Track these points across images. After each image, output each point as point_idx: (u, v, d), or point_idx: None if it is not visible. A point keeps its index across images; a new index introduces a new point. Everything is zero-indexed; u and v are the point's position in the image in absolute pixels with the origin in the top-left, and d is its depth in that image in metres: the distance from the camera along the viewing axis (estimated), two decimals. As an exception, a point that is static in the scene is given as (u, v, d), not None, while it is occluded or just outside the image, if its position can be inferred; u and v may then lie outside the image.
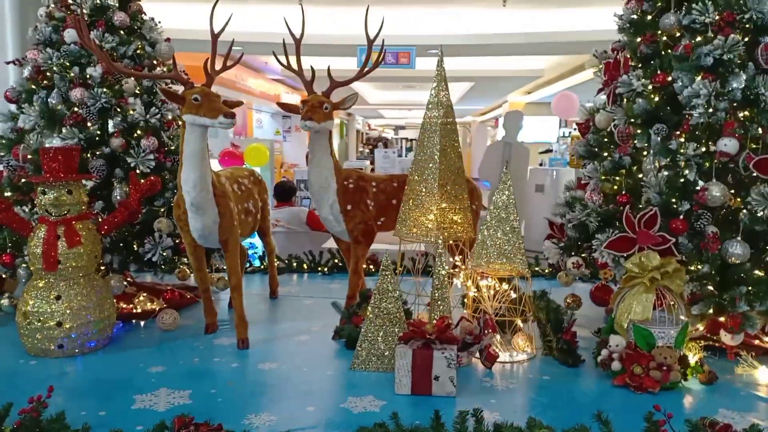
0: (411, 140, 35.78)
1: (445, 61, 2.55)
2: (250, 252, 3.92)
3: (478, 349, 2.38)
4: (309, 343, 2.67)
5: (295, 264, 4.16)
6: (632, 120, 2.53)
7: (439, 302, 2.48)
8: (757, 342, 2.54)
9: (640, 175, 2.51)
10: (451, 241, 2.71)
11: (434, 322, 2.21)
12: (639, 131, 2.52)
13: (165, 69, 3.10)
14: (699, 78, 2.32)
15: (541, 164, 10.61)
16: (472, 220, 2.74)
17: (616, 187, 2.63)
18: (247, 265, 3.93)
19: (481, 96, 17.75)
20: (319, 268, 4.10)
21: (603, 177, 2.66)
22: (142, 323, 2.90)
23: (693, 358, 2.23)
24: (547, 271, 3.93)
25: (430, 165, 2.58)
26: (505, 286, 2.51)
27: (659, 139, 2.41)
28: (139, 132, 2.94)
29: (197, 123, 2.32)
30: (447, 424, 1.71)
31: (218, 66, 2.48)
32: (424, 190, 2.59)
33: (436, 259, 2.52)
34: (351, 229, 2.81)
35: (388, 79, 14.90)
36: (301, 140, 19.04)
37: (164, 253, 2.86)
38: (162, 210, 2.91)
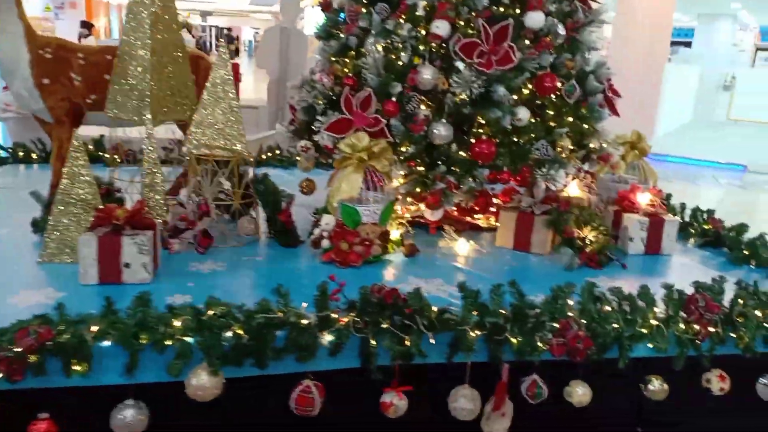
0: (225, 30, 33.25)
1: None
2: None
3: (192, 234, 2.28)
4: (7, 236, 2.35)
5: (21, 154, 3.63)
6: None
7: (150, 188, 2.30)
8: (468, 219, 2.80)
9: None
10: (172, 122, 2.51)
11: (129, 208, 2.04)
12: (364, 10, 2.47)
13: None
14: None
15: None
16: (195, 96, 2.55)
17: (346, 69, 2.59)
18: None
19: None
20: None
21: (332, 58, 2.59)
22: None
23: (396, 234, 2.37)
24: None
25: (140, 35, 2.30)
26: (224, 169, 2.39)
27: (380, 19, 2.39)
28: None
29: None
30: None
31: None
32: (135, 64, 2.32)
33: (146, 140, 2.31)
34: (51, 106, 2.44)
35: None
36: (77, 17, 16.58)
37: None
38: None
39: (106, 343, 1.56)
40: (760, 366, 1.98)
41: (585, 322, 1.81)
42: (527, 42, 2.38)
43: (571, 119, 2.54)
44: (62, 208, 2.06)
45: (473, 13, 2.34)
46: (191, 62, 2.59)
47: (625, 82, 9.61)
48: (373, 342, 1.68)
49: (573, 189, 2.68)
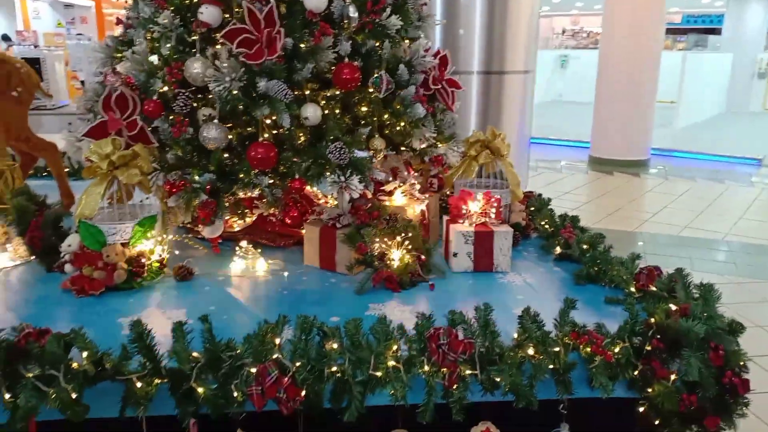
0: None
1: None
2: None
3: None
4: None
5: None
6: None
7: None
8: (289, 231, 2.45)
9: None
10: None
11: None
12: (135, -2, 2.16)
13: None
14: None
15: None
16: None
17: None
18: None
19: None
20: None
21: (115, 54, 2.29)
22: None
23: (161, 254, 2.04)
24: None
25: None
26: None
27: (143, 8, 2.08)
28: None
29: None
30: None
31: None
32: None
33: None
34: None
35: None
36: (89, 32, 16.80)
37: None
38: None
39: None
40: (544, 415, 1.58)
41: (299, 365, 1.46)
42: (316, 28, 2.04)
43: (385, 116, 2.19)
44: None
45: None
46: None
47: (619, 75, 9.21)
48: (7, 395, 1.36)
49: (399, 197, 2.31)
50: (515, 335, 1.59)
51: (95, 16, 20.04)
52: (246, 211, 2.18)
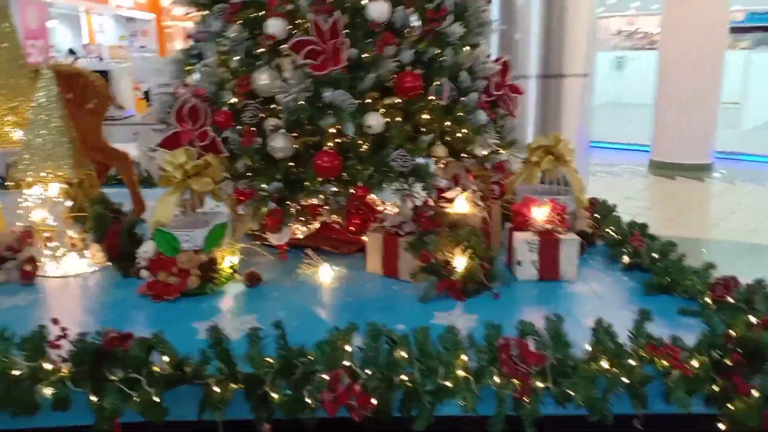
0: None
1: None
2: None
3: (15, 265, 2.13)
4: None
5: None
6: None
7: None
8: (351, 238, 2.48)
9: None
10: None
11: None
12: (206, 13, 2.24)
13: None
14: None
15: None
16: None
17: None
18: None
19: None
20: None
21: (185, 68, 2.38)
22: None
23: (230, 261, 2.10)
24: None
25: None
26: (54, 192, 2.23)
27: (213, 22, 2.15)
28: None
29: None
30: None
31: None
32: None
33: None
34: None
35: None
36: (150, 44, 17.49)
37: None
38: None
39: None
40: (617, 430, 1.54)
41: (370, 373, 1.47)
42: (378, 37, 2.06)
43: (448, 124, 2.19)
44: None
45: (312, 8, 2.05)
46: (64, 80, 2.46)
47: (680, 76, 8.90)
48: (93, 398, 1.43)
49: (460, 204, 2.30)
50: (587, 347, 1.56)
51: (155, 28, 20.81)
52: (310, 218, 2.21)
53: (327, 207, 2.21)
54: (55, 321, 1.51)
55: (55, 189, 2.24)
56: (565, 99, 4.37)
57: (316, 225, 2.43)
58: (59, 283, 2.16)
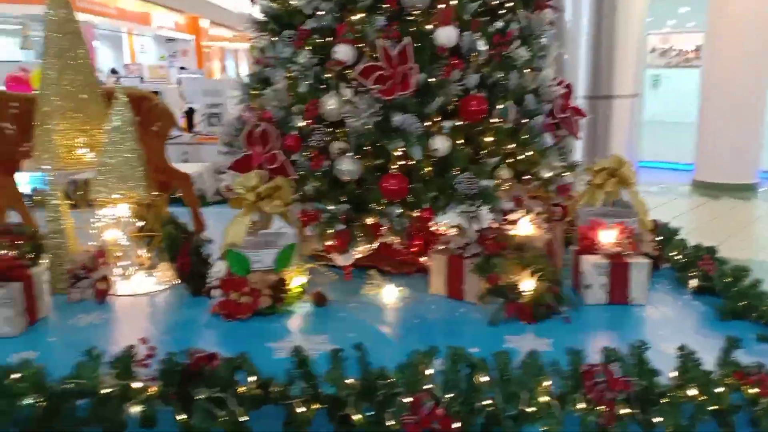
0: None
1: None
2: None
3: (89, 283, 2.19)
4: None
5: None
6: (268, 26, 2.31)
7: (55, 234, 2.26)
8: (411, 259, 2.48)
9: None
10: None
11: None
12: (274, 39, 2.30)
13: None
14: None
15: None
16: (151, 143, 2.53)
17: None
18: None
19: None
20: None
21: (252, 92, 2.44)
22: None
23: (299, 281, 2.12)
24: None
25: (49, 80, 2.30)
26: (126, 213, 2.29)
27: (282, 48, 2.21)
28: None
29: None
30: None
31: None
32: (45, 109, 2.31)
33: (49, 187, 2.28)
34: (-19, 156, 2.50)
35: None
36: (189, 64, 17.96)
37: None
38: None
39: None
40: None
41: (451, 396, 1.47)
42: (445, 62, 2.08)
43: (512, 146, 2.19)
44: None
45: (379, 34, 2.09)
46: (132, 103, 2.55)
47: (724, 95, 8.71)
48: (181, 416, 1.46)
49: (523, 226, 2.29)
50: (671, 373, 1.53)
51: (194, 48, 21.30)
52: (372, 238, 2.22)
53: (389, 228, 2.22)
54: (143, 340, 1.55)
55: (125, 210, 2.30)
56: (613, 119, 4.34)
57: (375, 245, 2.45)
58: (130, 301, 2.21)
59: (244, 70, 22.60)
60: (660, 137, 14.23)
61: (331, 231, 2.14)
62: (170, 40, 19.00)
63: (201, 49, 22.31)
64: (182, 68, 14.78)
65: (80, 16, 7.19)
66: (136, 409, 1.47)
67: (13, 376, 1.50)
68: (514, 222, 2.28)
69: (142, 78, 11.61)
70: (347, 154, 2.10)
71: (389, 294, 2.20)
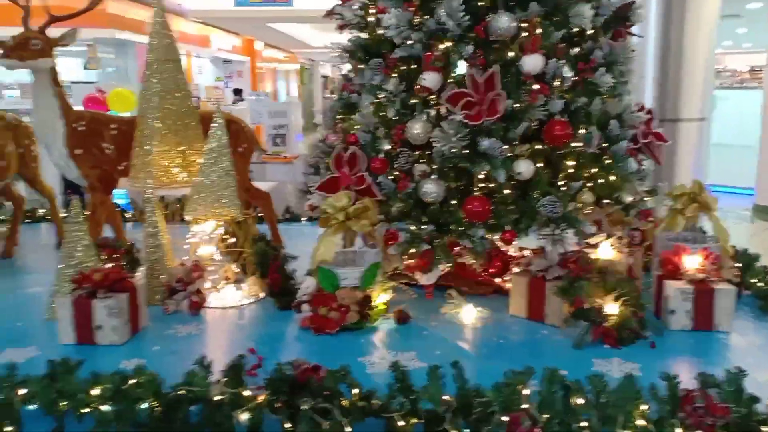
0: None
1: None
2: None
3: (184, 296, 2.31)
4: (37, 293, 2.55)
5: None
6: (356, 54, 2.42)
7: (153, 249, 2.40)
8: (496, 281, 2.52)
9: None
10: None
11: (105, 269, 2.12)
12: (361, 67, 2.40)
13: None
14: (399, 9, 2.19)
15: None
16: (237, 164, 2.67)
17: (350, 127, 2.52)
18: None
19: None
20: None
21: (339, 116, 2.55)
22: None
23: (383, 298, 2.19)
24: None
25: (151, 103, 2.46)
26: (219, 230, 2.42)
27: (370, 75, 2.31)
28: None
29: None
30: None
31: None
32: (146, 131, 2.48)
33: (146, 204, 2.43)
34: (85, 174, 2.68)
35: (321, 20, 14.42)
36: (243, 85, 18.49)
37: None
38: None
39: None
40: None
41: (547, 416, 1.50)
42: (531, 88, 2.14)
43: (595, 170, 2.22)
44: (64, 270, 2.20)
45: (467, 62, 2.16)
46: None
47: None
48: (287, 425, 1.53)
49: (605, 250, 2.30)
50: (766, 402, 1.53)
51: (249, 70, 21.91)
52: (450, 257, 2.27)
53: (469, 249, 2.27)
54: (252, 350, 1.64)
55: (218, 226, 2.43)
56: (680, 144, 4.28)
57: (451, 265, 2.50)
58: (221, 314, 2.33)
59: (294, 90, 23.17)
60: (720, 160, 13.79)
61: (413, 250, 2.21)
62: (227, 61, 19.64)
63: (255, 71, 23.00)
64: (236, 90, 15.21)
65: (143, 39, 7.53)
66: (244, 417, 1.55)
67: (131, 381, 1.62)
68: (595, 246, 2.30)
69: (198, 98, 12.04)
70: (432, 176, 2.16)
71: (468, 313, 2.25)
